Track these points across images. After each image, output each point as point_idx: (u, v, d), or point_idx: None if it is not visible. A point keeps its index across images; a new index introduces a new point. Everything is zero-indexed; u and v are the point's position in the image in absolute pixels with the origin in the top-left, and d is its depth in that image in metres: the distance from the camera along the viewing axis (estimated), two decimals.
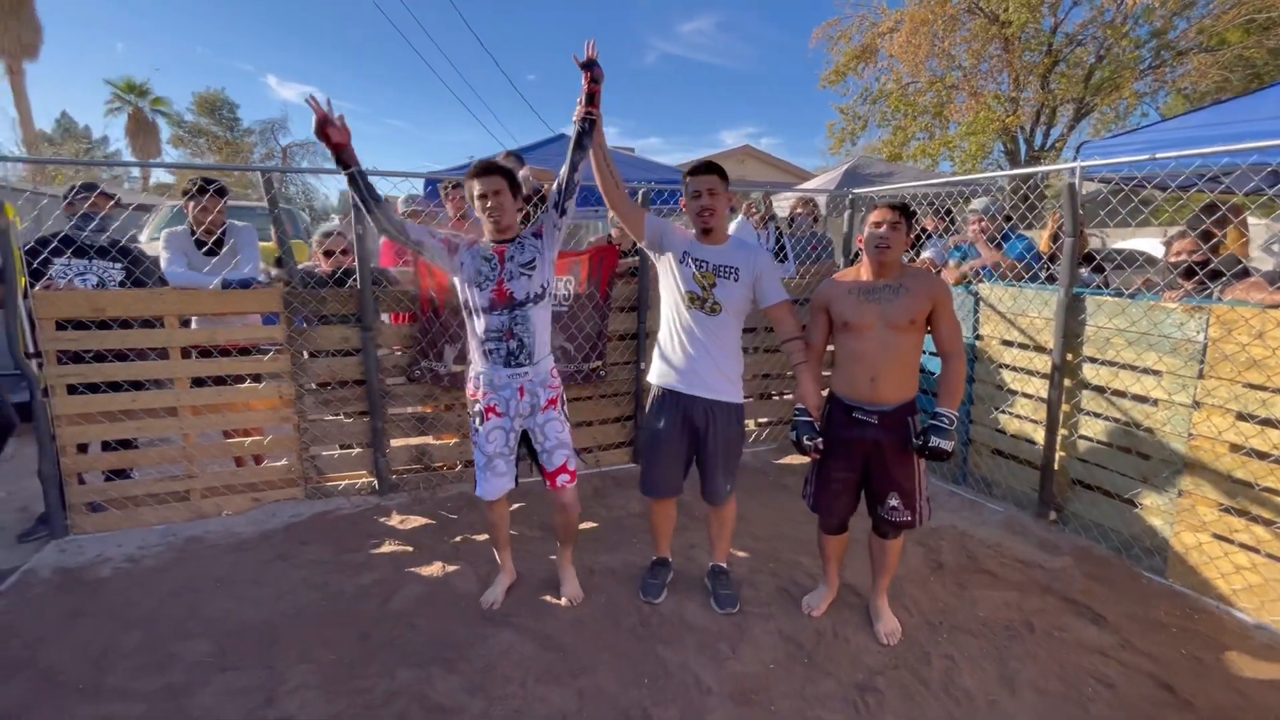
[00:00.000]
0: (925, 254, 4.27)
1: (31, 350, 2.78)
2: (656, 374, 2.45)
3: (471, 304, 2.24)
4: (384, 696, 2.04)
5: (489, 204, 2.18)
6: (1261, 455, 2.36)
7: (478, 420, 2.32)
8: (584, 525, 3.20)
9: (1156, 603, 2.56)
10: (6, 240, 2.68)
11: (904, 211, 2.12)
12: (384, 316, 3.51)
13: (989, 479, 3.48)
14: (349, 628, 2.39)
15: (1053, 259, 3.41)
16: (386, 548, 2.98)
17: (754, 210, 4.72)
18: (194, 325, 3.14)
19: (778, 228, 4.50)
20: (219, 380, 3.12)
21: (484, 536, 3.07)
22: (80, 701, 1.98)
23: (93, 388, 2.91)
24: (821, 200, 6.00)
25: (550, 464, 2.36)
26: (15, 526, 3.10)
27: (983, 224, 3.75)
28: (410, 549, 2.97)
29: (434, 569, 2.80)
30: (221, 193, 3.05)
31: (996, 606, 2.54)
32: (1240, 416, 2.40)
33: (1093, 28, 13.74)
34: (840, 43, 15.86)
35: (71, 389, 2.89)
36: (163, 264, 3.08)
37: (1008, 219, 3.85)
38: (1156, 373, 2.66)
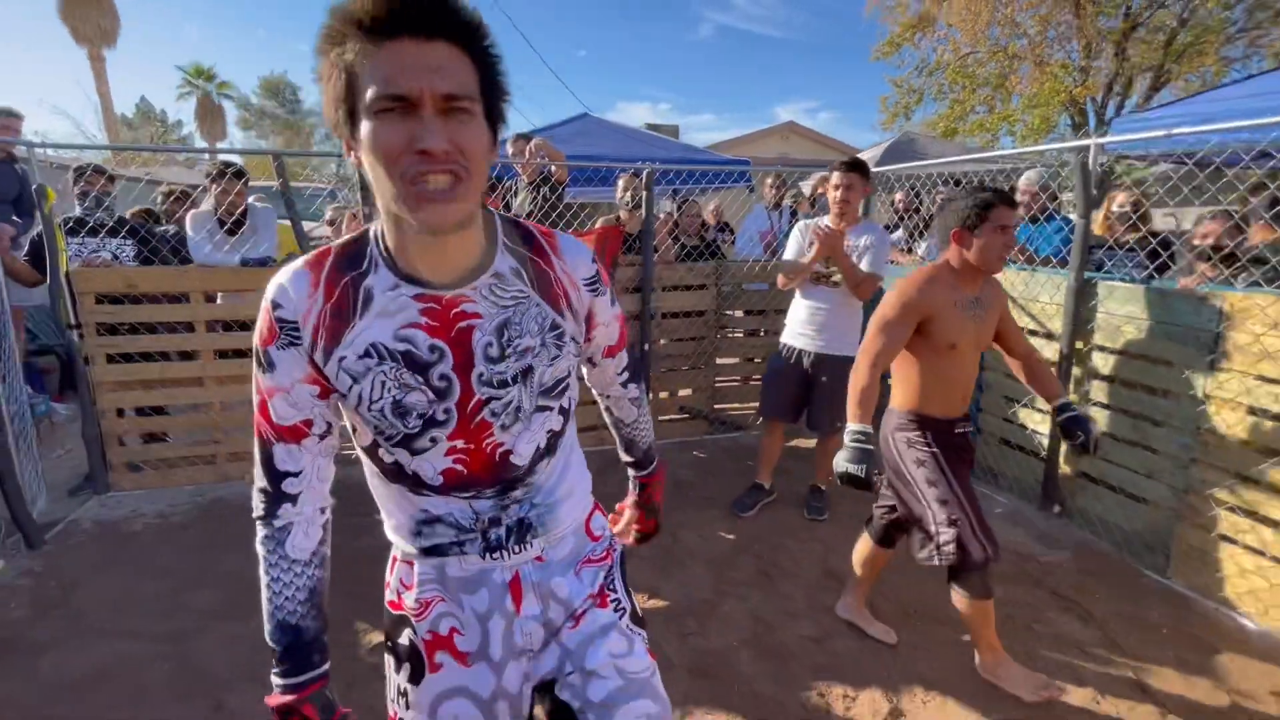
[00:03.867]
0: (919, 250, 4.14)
1: (73, 322, 3.04)
2: (785, 333, 3.09)
3: (388, 461, 0.87)
4: (363, 652, 2.19)
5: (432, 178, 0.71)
6: (1273, 453, 2.21)
7: (401, 671, 0.95)
8: None
9: (1152, 602, 2.45)
10: (50, 223, 2.92)
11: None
12: None
13: (996, 470, 3.37)
14: (344, 586, 2.52)
15: (1103, 243, 3.18)
16: (381, 515, 3.15)
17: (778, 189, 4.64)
18: (218, 300, 3.36)
19: (792, 208, 4.42)
20: (240, 353, 3.33)
21: None
22: (97, 639, 2.21)
23: (127, 357, 3.16)
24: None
25: None
26: (69, 482, 3.42)
27: (1032, 195, 3.53)
28: None
29: None
30: (240, 175, 3.23)
31: None
32: (1251, 411, 2.25)
33: None
34: (896, 11, 15.16)
35: (109, 358, 3.15)
36: (189, 243, 3.29)
37: (1053, 197, 3.64)
38: (1167, 363, 2.51)
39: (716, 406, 4.18)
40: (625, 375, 1.13)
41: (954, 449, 1.98)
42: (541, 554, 0.93)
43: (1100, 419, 2.81)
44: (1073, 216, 3.14)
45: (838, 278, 2.86)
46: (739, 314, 4.20)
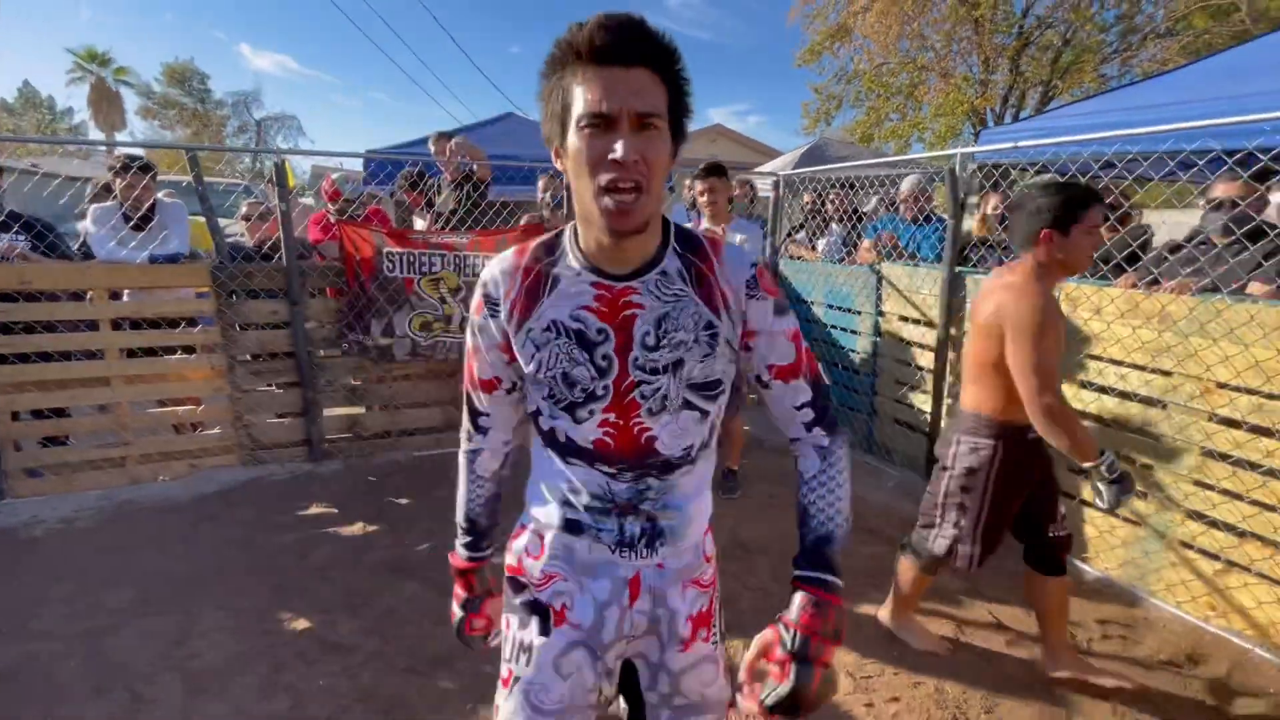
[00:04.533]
0: (819, 244, 4.51)
1: None
2: None
3: (545, 428, 0.98)
4: (289, 637, 2.24)
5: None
6: (1098, 419, 2.60)
7: (514, 620, 1.05)
8: (509, 489, 3.41)
9: (1012, 556, 2.80)
10: None
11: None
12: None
13: (890, 446, 3.72)
14: (266, 580, 2.57)
15: (984, 242, 3.56)
16: (313, 510, 3.16)
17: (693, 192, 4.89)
18: (125, 298, 3.26)
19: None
20: (150, 351, 3.25)
21: (407, 500, 3.27)
22: (6, 644, 2.15)
23: (23, 357, 3.03)
24: (767, 182, 6.16)
25: None
26: None
27: (911, 200, 3.91)
28: (335, 511, 3.15)
29: (355, 529, 2.99)
30: (146, 169, 3.16)
31: (867, 559, 2.78)
32: (1082, 385, 2.63)
33: (1062, 10, 13.89)
34: (816, 21, 15.88)
35: (2, 359, 3.01)
36: (90, 239, 3.19)
37: (929, 200, 4.04)
38: None
39: None
40: (809, 415, 1.00)
41: (1028, 454, 1.93)
42: (663, 561, 0.99)
43: None
44: (946, 218, 3.52)
45: None
46: None
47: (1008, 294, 1.81)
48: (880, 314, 3.68)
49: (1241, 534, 2.21)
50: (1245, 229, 2.29)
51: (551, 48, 0.82)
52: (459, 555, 1.15)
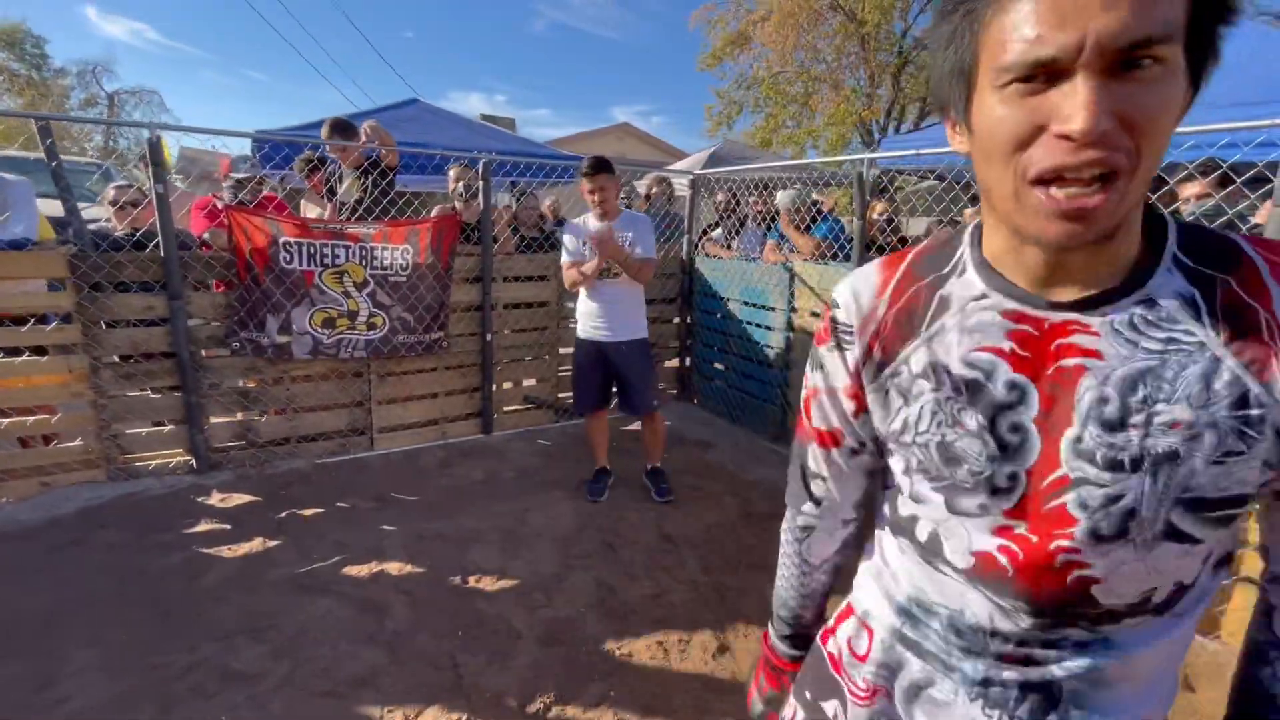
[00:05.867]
0: (715, 233, 4.69)
1: None
2: (581, 329, 3.22)
3: (905, 514, 0.70)
4: (181, 670, 2.00)
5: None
6: None
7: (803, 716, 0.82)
8: (422, 495, 3.24)
9: None
10: None
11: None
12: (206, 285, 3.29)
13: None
14: (147, 609, 2.29)
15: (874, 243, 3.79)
16: (202, 527, 2.85)
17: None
18: None
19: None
20: None
21: (312, 510, 3.03)
22: None
23: None
24: (683, 181, 6.27)
25: None
26: None
27: (789, 214, 4.11)
28: (229, 526, 2.86)
29: (253, 545, 2.72)
30: None
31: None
32: None
33: None
34: (718, 27, 16.37)
35: None
36: None
37: (814, 204, 4.26)
38: None
39: (560, 396, 4.31)
40: None
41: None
42: None
43: None
44: (843, 219, 3.74)
45: (617, 270, 3.03)
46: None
47: None
48: (793, 310, 3.84)
49: None
50: None
51: None
52: (774, 646, 0.91)
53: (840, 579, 0.88)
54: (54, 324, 2.87)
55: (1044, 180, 0.48)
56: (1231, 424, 0.52)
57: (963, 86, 0.53)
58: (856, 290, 0.68)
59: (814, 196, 4.26)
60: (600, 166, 2.94)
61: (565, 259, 3.11)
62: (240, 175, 3.38)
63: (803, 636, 0.88)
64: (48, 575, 2.44)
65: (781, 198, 4.10)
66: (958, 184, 3.26)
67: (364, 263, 3.37)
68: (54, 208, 2.94)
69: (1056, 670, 0.60)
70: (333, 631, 2.20)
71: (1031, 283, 0.57)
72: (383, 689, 1.95)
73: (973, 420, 0.59)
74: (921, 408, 0.62)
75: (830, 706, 0.76)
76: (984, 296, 0.59)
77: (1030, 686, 0.61)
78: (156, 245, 2.95)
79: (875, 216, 3.68)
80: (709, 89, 17.58)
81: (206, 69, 64.73)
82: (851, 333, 0.67)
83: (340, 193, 3.70)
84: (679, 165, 9.08)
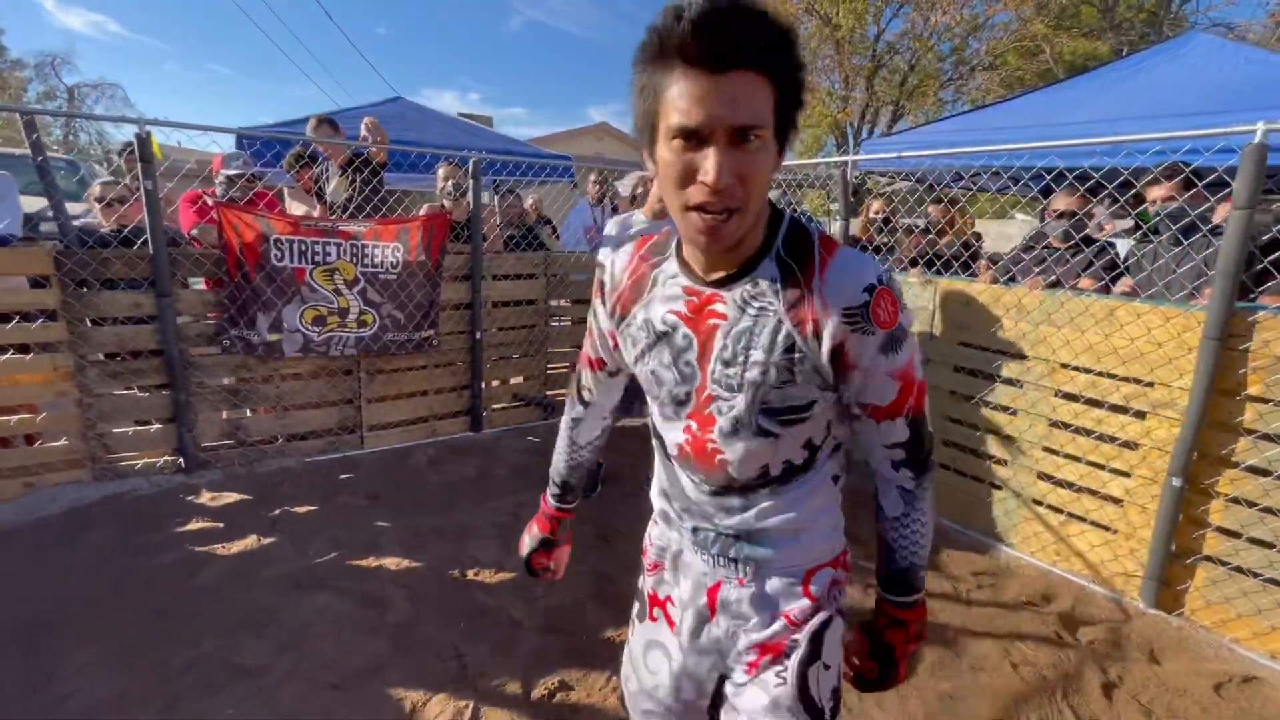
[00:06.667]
0: None
1: None
2: None
3: (652, 423, 1.02)
4: (183, 667, 2.00)
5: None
6: (967, 398, 2.98)
7: (634, 605, 1.13)
8: (415, 491, 3.25)
9: None
10: None
11: None
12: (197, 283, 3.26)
13: None
14: (143, 608, 2.27)
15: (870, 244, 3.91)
16: (193, 526, 2.83)
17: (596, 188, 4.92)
18: None
19: (614, 205, 4.73)
20: None
21: (304, 508, 3.02)
22: None
23: None
24: None
25: None
26: None
27: None
28: (221, 525, 2.84)
29: (248, 542, 2.71)
30: None
31: None
32: (956, 369, 3.01)
33: (907, 39, 15.52)
34: None
35: None
36: None
37: (798, 205, 4.37)
38: None
39: (549, 393, 4.35)
40: (899, 455, 0.88)
41: None
42: (743, 578, 0.93)
43: None
44: (821, 221, 3.84)
45: None
46: (565, 303, 4.40)
47: None
48: None
49: (1078, 490, 2.65)
50: (1080, 235, 2.74)
51: (645, 33, 0.71)
52: (548, 500, 1.24)
53: (595, 460, 1.24)
54: (39, 321, 2.81)
55: (695, 208, 0.72)
56: (785, 363, 0.80)
57: (650, 130, 0.74)
58: (615, 263, 0.96)
59: (794, 198, 4.36)
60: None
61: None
62: (233, 172, 3.35)
63: (569, 494, 1.22)
64: (33, 575, 2.41)
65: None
66: (937, 185, 3.38)
67: (355, 260, 3.37)
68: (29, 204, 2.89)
69: (729, 520, 0.92)
70: (335, 625, 2.21)
71: (699, 268, 0.85)
72: (390, 679, 1.98)
73: (667, 357, 0.89)
74: (642, 348, 0.92)
75: (640, 580, 1.11)
76: (676, 276, 0.88)
77: (717, 533, 0.94)
78: (144, 242, 2.92)
79: (873, 215, 3.80)
80: None
81: (169, 62, 63.01)
82: (606, 292, 0.97)
83: (328, 192, 3.68)
84: None
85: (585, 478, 1.25)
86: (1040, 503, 2.78)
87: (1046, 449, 2.73)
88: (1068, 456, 2.66)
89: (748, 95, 0.67)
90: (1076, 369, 2.61)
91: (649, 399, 0.97)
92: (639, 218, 3.05)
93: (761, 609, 0.93)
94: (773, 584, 0.93)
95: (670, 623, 1.03)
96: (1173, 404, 2.33)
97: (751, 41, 0.66)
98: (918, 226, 3.73)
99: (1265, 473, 2.16)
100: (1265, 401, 2.14)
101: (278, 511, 2.99)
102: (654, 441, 1.01)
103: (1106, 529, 2.57)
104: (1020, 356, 2.77)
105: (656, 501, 1.04)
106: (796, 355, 0.80)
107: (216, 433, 3.34)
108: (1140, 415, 2.44)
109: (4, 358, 2.81)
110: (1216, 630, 2.30)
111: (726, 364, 0.83)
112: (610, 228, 3.02)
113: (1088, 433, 2.58)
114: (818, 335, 0.79)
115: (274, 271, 3.17)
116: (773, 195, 4.42)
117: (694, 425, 0.89)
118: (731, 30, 0.65)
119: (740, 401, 0.83)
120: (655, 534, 1.07)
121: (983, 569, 2.79)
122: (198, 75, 68.09)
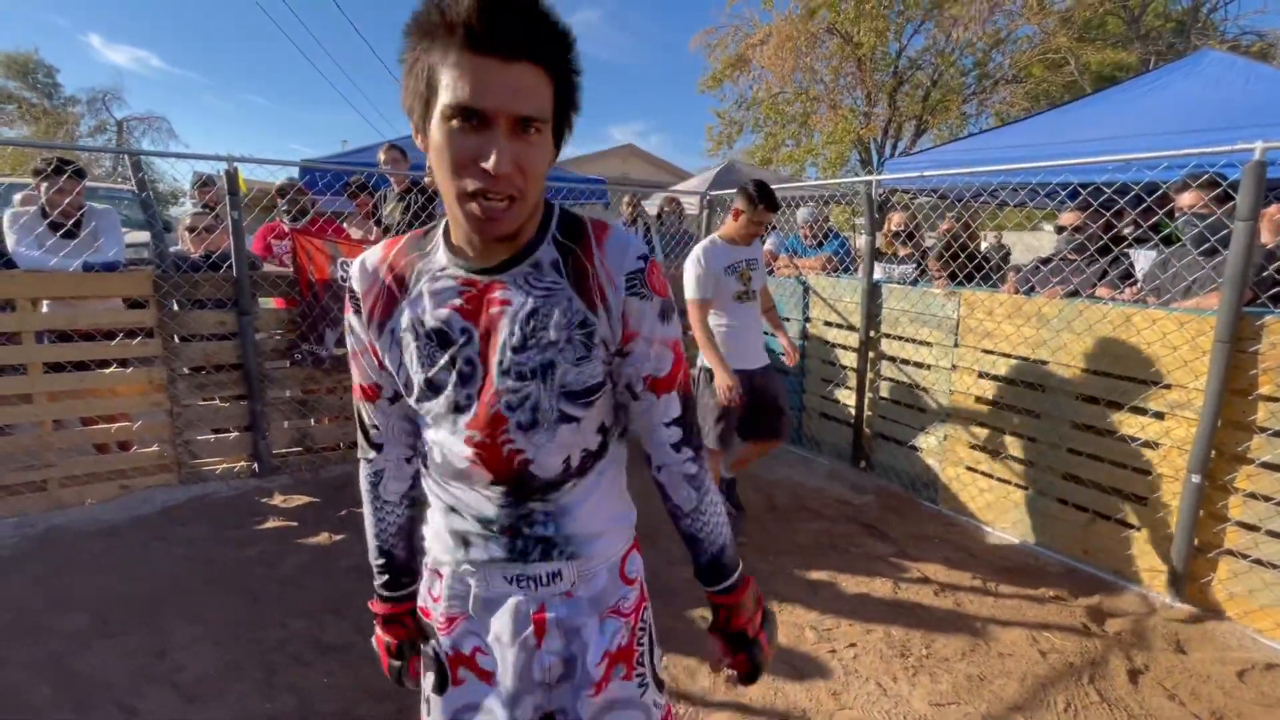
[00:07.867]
0: (766, 245, 4.94)
1: None
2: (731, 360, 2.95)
3: (425, 450, 0.93)
4: (277, 643, 2.24)
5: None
6: (994, 404, 3.12)
7: (427, 678, 0.98)
8: None
9: (929, 523, 3.28)
10: None
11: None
12: (269, 302, 3.58)
13: (818, 438, 4.15)
14: (237, 593, 2.53)
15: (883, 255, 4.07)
16: (270, 524, 3.09)
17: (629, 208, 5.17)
18: (44, 309, 3.05)
19: (646, 225, 4.97)
20: (80, 366, 3.06)
21: None
22: None
23: None
24: (693, 200, 6.59)
25: None
26: None
27: (809, 228, 4.43)
28: (295, 524, 3.10)
29: (321, 539, 2.96)
30: (80, 174, 2.99)
31: (813, 534, 3.14)
32: (981, 375, 3.15)
33: (929, 54, 15.66)
34: (717, 50, 16.86)
35: None
36: (9, 246, 2.97)
37: (825, 220, 4.56)
38: (928, 343, 3.39)
39: None
40: (676, 432, 0.89)
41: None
42: (571, 589, 0.89)
43: (887, 389, 3.65)
44: (846, 235, 4.02)
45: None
46: None
47: None
48: (807, 320, 4.11)
49: (1102, 489, 2.76)
50: (1096, 246, 2.88)
51: (423, 5, 0.68)
52: (384, 599, 1.00)
53: (419, 510, 0.99)
54: (140, 339, 3.13)
55: (474, 195, 0.70)
56: (580, 338, 0.80)
57: (422, 106, 0.71)
58: (365, 262, 0.86)
59: (824, 214, 4.55)
60: (777, 203, 2.88)
61: (697, 291, 2.86)
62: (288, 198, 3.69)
63: (397, 576, 0.99)
64: (139, 565, 2.68)
65: (802, 214, 4.40)
66: (958, 202, 3.55)
67: None
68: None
69: (541, 530, 0.86)
70: None
71: (474, 257, 0.80)
72: None
73: (444, 358, 0.81)
74: (411, 353, 0.82)
75: (429, 647, 0.95)
76: (447, 268, 0.81)
77: (529, 544, 0.86)
78: (229, 266, 3.24)
79: (893, 227, 3.97)
80: (709, 110, 18.06)
81: (208, 94, 65.83)
82: (358, 298, 0.85)
83: (384, 217, 3.99)
84: (687, 184, 9.44)
85: (414, 546, 1.00)
86: (1064, 501, 2.89)
87: (1071, 450, 2.85)
88: (1091, 457, 2.78)
89: (531, 88, 0.68)
90: (1096, 373, 2.73)
91: (421, 415, 0.86)
92: (719, 241, 2.92)
93: (593, 612, 0.91)
94: (599, 582, 0.91)
95: (484, 676, 0.91)
96: (1189, 404, 2.45)
97: (538, 35, 0.67)
98: (931, 248, 3.90)
99: None
100: (1277, 400, 2.26)
101: (344, 512, 3.24)
102: (432, 475, 0.90)
103: (1131, 526, 2.68)
104: (1041, 362, 2.91)
105: (443, 547, 0.91)
106: (589, 329, 0.81)
107: (286, 440, 3.62)
108: (1159, 416, 2.56)
109: (110, 370, 3.13)
110: (1240, 621, 2.40)
111: (517, 350, 0.79)
112: (699, 255, 2.87)
113: (1109, 433, 2.70)
114: (605, 304, 0.81)
115: (340, 290, 3.46)
116: (802, 212, 4.59)
117: (478, 435, 0.82)
118: (518, 19, 0.66)
119: (536, 389, 0.81)
120: (439, 588, 0.93)
121: (1011, 566, 2.90)
122: (233, 107, 71.01)
